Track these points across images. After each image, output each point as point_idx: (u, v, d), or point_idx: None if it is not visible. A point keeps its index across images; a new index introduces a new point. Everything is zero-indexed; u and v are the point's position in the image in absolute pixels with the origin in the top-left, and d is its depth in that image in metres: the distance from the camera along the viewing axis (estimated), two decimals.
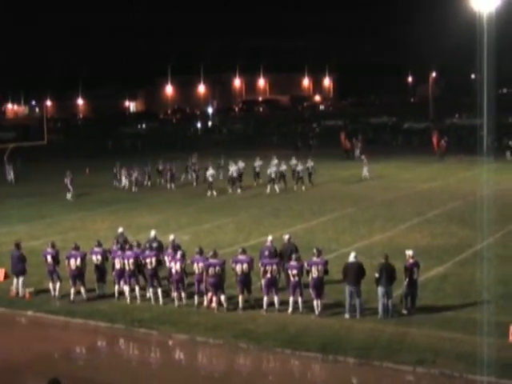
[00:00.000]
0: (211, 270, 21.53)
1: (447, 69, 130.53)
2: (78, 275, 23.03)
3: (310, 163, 46.37)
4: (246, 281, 21.67)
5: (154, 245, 24.18)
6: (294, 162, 46.91)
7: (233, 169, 45.25)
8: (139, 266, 22.89)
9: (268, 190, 44.21)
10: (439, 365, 17.30)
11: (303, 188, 44.93)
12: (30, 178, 55.05)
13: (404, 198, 41.04)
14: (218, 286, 21.64)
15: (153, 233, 25.20)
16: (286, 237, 23.97)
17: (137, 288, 22.81)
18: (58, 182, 46.60)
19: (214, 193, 43.72)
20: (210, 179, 44.20)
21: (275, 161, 46.82)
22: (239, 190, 44.88)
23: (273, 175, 44.64)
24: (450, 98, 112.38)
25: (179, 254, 22.38)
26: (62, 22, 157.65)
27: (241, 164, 46.68)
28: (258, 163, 48.11)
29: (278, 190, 44.28)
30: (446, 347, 18.26)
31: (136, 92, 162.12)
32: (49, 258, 23.54)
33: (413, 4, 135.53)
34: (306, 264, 21.15)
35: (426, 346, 18.35)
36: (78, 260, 22.98)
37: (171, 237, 24.25)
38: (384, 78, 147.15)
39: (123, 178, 47.43)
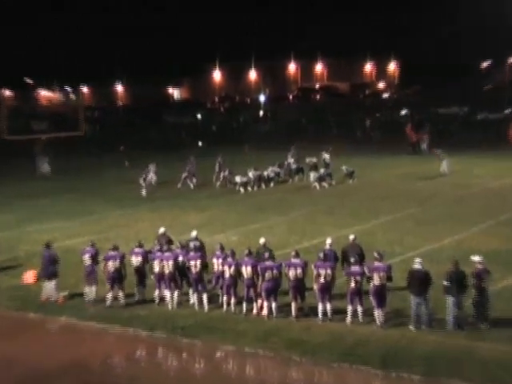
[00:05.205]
0: (268, 274, 21.40)
1: None
2: (117, 278, 23.05)
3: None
4: (299, 287, 21.52)
5: (195, 244, 24.02)
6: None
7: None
8: (180, 269, 22.97)
9: (318, 187, 44.51)
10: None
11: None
12: (65, 171, 55.39)
13: (475, 196, 40.47)
14: (273, 292, 21.51)
15: (194, 232, 25.18)
16: (352, 237, 23.75)
17: (176, 293, 22.86)
18: (95, 177, 46.77)
19: (242, 189, 44.23)
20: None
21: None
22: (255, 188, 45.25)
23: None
24: None
25: (230, 256, 22.37)
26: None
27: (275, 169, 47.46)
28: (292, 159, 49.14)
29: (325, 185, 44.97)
30: None
31: (181, 79, 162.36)
32: (87, 256, 23.43)
33: None
34: (366, 269, 20.95)
35: (497, 363, 18.10)
36: (117, 261, 23.00)
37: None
38: (455, 63, 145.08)
39: (151, 173, 46.89)
